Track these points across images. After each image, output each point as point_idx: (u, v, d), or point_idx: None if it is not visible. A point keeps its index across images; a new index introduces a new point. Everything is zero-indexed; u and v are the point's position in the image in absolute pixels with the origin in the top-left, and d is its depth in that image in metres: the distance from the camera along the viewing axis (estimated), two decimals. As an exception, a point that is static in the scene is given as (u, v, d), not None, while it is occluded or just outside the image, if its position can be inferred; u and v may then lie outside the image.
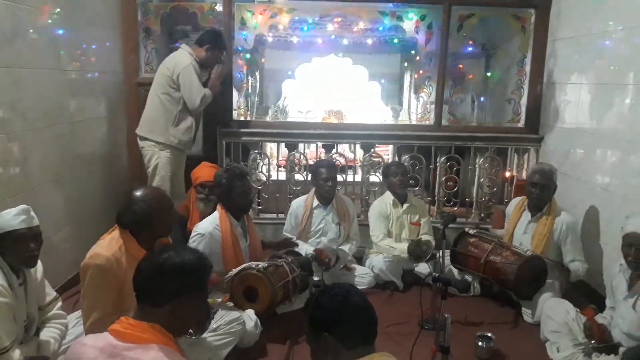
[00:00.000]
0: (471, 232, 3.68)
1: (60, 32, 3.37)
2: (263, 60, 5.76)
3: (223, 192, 3.17)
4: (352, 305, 1.49)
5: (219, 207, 3.20)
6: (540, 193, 3.43)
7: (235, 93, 4.66)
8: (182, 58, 3.77)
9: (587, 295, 3.47)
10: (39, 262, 2.36)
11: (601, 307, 2.84)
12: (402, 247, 3.67)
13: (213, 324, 2.49)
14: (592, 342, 2.60)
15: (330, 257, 3.46)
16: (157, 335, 1.43)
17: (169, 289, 1.48)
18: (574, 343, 2.72)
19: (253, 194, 3.35)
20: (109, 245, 2.27)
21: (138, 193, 2.34)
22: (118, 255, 2.24)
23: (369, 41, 5.66)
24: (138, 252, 2.23)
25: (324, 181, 3.72)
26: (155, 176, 3.79)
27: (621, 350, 2.46)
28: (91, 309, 2.22)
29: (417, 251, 3.61)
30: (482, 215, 4.65)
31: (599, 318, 2.69)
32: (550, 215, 3.42)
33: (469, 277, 3.53)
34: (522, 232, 3.55)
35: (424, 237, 3.80)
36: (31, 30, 3.05)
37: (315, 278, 3.26)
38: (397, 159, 4.72)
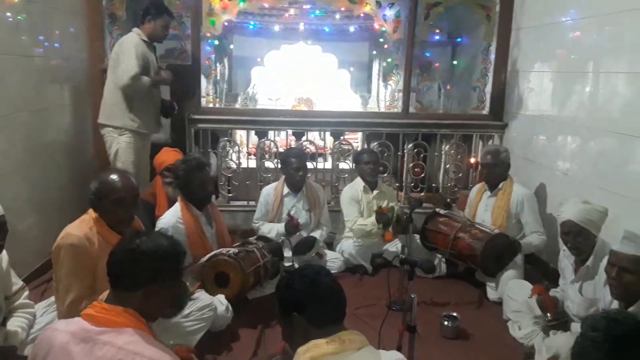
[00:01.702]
0: (442, 212, 3.80)
1: (21, 17, 3.28)
2: (232, 47, 5.71)
3: (181, 184, 3.12)
4: (320, 287, 1.53)
5: (179, 198, 3.15)
6: (493, 172, 3.64)
7: (203, 80, 4.62)
8: (127, 38, 3.71)
9: (547, 274, 3.61)
10: (4, 252, 2.32)
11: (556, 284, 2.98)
12: (371, 220, 3.76)
13: (185, 310, 2.51)
14: (548, 316, 2.72)
15: (297, 220, 3.58)
16: (130, 320, 1.43)
17: (142, 275, 1.48)
18: (534, 321, 2.85)
19: (212, 185, 3.28)
20: (79, 225, 2.28)
21: (102, 174, 2.36)
22: (90, 235, 2.24)
23: (338, 29, 5.68)
24: (109, 234, 2.25)
25: (295, 171, 3.74)
26: (116, 163, 3.71)
27: (573, 325, 2.58)
28: (67, 289, 2.22)
29: (383, 218, 3.70)
30: (448, 200, 4.76)
31: (553, 292, 2.83)
32: (507, 190, 3.60)
33: (438, 256, 3.68)
34: (484, 210, 3.73)
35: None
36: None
37: (287, 264, 3.31)
38: (366, 146, 4.77)
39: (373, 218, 3.74)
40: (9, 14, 3.17)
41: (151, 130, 3.88)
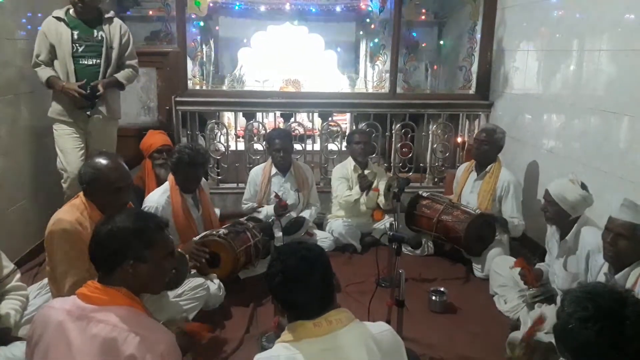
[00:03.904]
0: (424, 194, 3.85)
1: (2, 0, 3.23)
2: (217, 27, 5.66)
3: (171, 168, 3.14)
4: (302, 282, 1.49)
5: (170, 176, 3.18)
6: (484, 149, 3.65)
7: (189, 62, 4.59)
8: None
9: (532, 249, 3.69)
10: (-5, 236, 2.33)
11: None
12: (355, 190, 3.84)
13: (178, 290, 2.55)
14: (530, 288, 2.80)
15: (285, 199, 3.60)
16: (123, 298, 1.47)
17: (118, 252, 1.51)
18: (519, 295, 2.94)
19: (199, 181, 3.26)
20: (70, 210, 2.27)
21: (92, 158, 2.35)
22: (81, 220, 2.24)
23: (324, 9, 5.65)
24: (100, 218, 2.23)
25: (276, 152, 3.78)
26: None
27: (558, 299, 2.66)
28: (65, 274, 2.22)
29: (364, 182, 3.79)
30: (436, 179, 4.82)
31: (539, 266, 2.91)
32: (494, 174, 3.62)
33: (423, 238, 3.71)
34: (469, 191, 3.75)
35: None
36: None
37: (278, 244, 3.35)
38: (354, 127, 4.80)
39: (357, 188, 3.80)
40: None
41: (76, 118, 3.47)
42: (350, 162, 4.00)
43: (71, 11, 3.42)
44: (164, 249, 1.61)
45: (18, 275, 2.50)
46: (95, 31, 3.45)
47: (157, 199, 3.08)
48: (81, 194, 2.35)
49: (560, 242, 2.76)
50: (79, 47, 3.40)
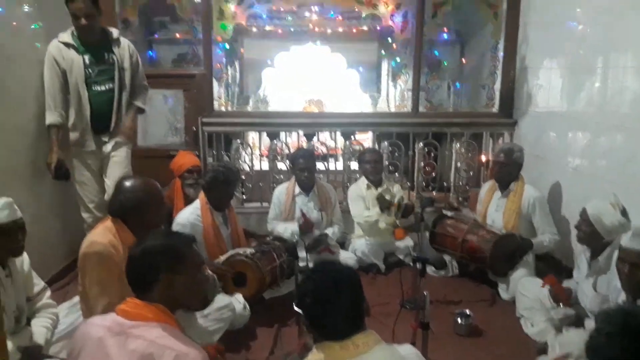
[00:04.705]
0: (449, 214, 3.82)
1: (35, 26, 3.36)
2: (242, 50, 5.78)
3: (204, 186, 3.25)
4: (331, 304, 1.50)
5: (201, 195, 3.26)
6: (504, 170, 3.62)
7: (215, 84, 4.69)
8: None
9: (558, 269, 3.62)
10: (25, 254, 2.38)
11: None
12: (375, 210, 3.82)
13: (205, 310, 2.57)
14: (561, 305, 2.74)
15: (310, 220, 3.59)
16: (160, 315, 1.53)
17: (152, 269, 1.58)
18: (546, 318, 2.87)
19: (231, 198, 3.36)
20: (103, 233, 2.30)
21: (126, 183, 2.37)
22: (114, 242, 2.27)
23: (346, 30, 5.72)
24: (131, 241, 2.25)
25: (300, 171, 3.82)
26: None
27: (587, 322, 2.60)
28: (99, 295, 2.24)
29: (383, 201, 3.78)
30: (460, 199, 4.79)
31: (566, 283, 2.86)
32: (518, 191, 3.58)
33: (446, 258, 3.68)
34: (494, 210, 3.72)
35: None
36: (14, 23, 3.14)
37: (301, 264, 3.37)
38: (376, 146, 4.81)
39: (377, 209, 3.80)
40: (25, 21, 3.27)
41: (86, 146, 3.37)
42: (363, 182, 4.02)
43: (76, 34, 3.28)
44: (195, 262, 1.68)
45: (48, 293, 2.57)
46: (105, 54, 3.33)
47: (187, 216, 3.16)
48: (110, 217, 2.37)
49: (591, 262, 2.71)
50: (91, 73, 3.29)
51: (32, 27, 3.34)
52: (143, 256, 1.60)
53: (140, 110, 3.60)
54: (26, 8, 3.28)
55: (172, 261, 1.60)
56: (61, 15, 3.26)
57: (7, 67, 3.06)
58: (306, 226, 3.55)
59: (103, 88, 3.34)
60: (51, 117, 3.26)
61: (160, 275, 1.57)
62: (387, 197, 3.80)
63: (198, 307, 1.78)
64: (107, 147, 3.41)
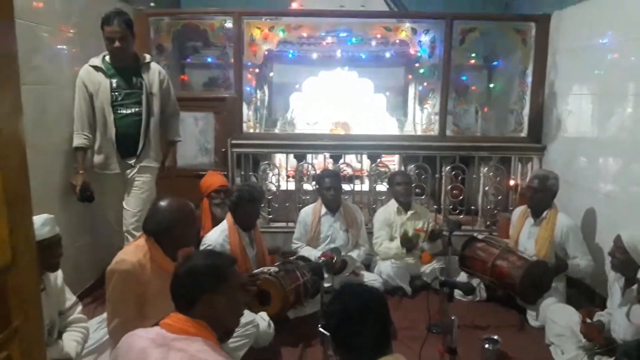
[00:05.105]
0: (480, 237, 3.78)
1: (75, 50, 3.50)
2: (271, 74, 5.91)
3: (230, 206, 3.31)
4: (355, 324, 1.52)
5: (228, 216, 3.31)
6: (538, 197, 3.56)
7: (245, 107, 4.80)
8: None
9: (589, 297, 3.54)
10: (59, 269, 2.46)
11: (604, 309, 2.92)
12: (395, 244, 3.83)
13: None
14: (596, 346, 2.66)
15: (333, 255, 3.56)
16: (202, 331, 1.57)
17: (196, 288, 1.62)
18: (577, 345, 2.79)
19: (258, 216, 3.42)
20: (134, 251, 2.35)
21: (162, 203, 2.42)
22: (143, 262, 2.31)
23: (374, 55, 5.80)
24: (162, 260, 2.33)
25: (326, 190, 3.85)
26: None
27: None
28: (113, 314, 2.30)
29: (408, 243, 3.78)
30: (488, 223, 4.73)
31: (599, 316, 2.77)
32: (551, 220, 3.52)
33: (474, 282, 3.62)
34: (527, 237, 3.65)
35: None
36: (56, 47, 3.28)
37: (326, 284, 3.36)
38: (403, 168, 4.82)
39: (398, 242, 3.80)
40: (66, 48, 3.42)
41: (110, 169, 3.41)
42: (393, 205, 4.02)
43: (107, 58, 3.36)
44: (236, 282, 1.74)
45: (80, 308, 2.63)
46: (134, 78, 3.37)
47: (216, 237, 3.21)
48: (144, 235, 2.42)
49: (625, 290, 2.64)
50: (118, 96, 3.33)
51: (71, 50, 3.48)
52: (188, 275, 1.66)
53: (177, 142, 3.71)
54: (68, 33, 3.43)
55: (215, 281, 1.64)
56: (98, 42, 3.39)
57: (46, 89, 3.19)
58: (329, 264, 3.52)
59: (129, 111, 3.36)
60: (77, 140, 3.33)
61: (204, 294, 1.61)
62: (413, 239, 3.79)
63: (235, 326, 1.80)
64: (135, 173, 3.44)
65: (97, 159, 3.40)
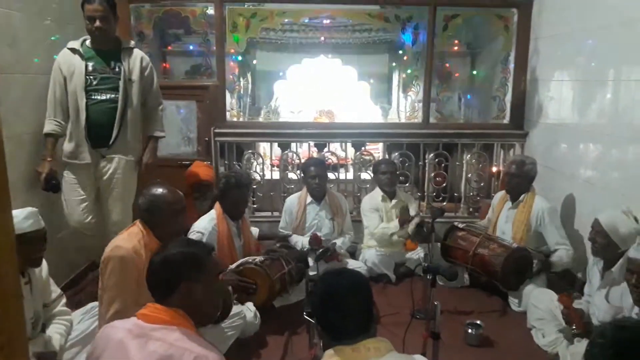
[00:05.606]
0: (460, 225, 3.82)
1: (53, 38, 3.43)
2: (254, 62, 5.85)
3: (219, 195, 3.30)
4: (338, 303, 1.55)
5: (217, 205, 3.30)
6: (515, 182, 3.61)
7: (228, 95, 4.76)
8: None
9: (570, 282, 3.61)
10: (44, 261, 2.43)
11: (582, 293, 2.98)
12: (394, 223, 3.82)
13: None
14: (573, 328, 2.71)
15: (321, 236, 3.60)
16: (180, 320, 1.56)
17: (172, 277, 1.61)
18: (558, 329, 2.86)
19: (246, 204, 3.39)
20: (128, 238, 2.36)
21: (150, 190, 2.44)
22: (138, 248, 2.32)
23: (358, 42, 5.78)
24: (156, 246, 2.30)
25: (312, 179, 3.85)
26: None
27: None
28: (112, 300, 2.29)
29: (405, 214, 3.77)
30: (471, 209, 4.78)
31: (577, 304, 2.81)
32: (528, 203, 3.57)
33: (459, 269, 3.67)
34: (504, 221, 3.71)
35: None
36: (35, 36, 3.20)
37: (311, 273, 3.38)
38: (387, 156, 4.83)
39: (396, 221, 3.81)
40: (43, 36, 3.34)
41: (80, 158, 3.20)
42: (378, 193, 4.03)
43: (87, 42, 3.18)
44: (213, 271, 1.73)
45: (64, 301, 2.61)
46: (112, 62, 3.17)
47: (204, 225, 3.21)
48: (138, 221, 2.45)
49: (605, 273, 2.69)
50: (93, 80, 3.12)
51: (51, 39, 3.41)
52: (164, 263, 1.64)
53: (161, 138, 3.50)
54: (46, 21, 3.36)
55: (192, 269, 1.63)
56: (77, 29, 3.32)
57: (27, 79, 3.13)
58: (316, 242, 3.55)
59: (104, 97, 3.15)
60: (48, 126, 3.13)
61: (181, 283, 1.60)
62: (406, 213, 3.80)
63: (213, 317, 1.80)
64: (108, 166, 3.24)
65: (67, 147, 3.19)
